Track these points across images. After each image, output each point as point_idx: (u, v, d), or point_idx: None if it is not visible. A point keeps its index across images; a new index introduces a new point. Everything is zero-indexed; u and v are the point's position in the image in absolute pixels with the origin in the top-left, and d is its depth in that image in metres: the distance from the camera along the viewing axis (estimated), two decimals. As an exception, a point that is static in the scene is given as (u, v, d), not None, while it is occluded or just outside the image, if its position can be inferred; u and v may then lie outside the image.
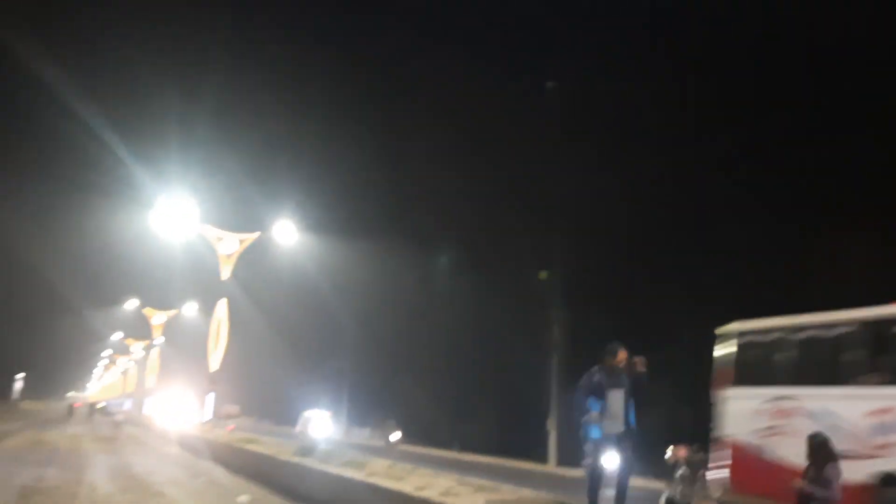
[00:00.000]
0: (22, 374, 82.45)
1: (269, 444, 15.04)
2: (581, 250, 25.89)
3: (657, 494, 9.06)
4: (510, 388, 28.66)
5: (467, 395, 31.34)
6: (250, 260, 24.52)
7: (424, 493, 7.58)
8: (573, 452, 22.50)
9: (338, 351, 39.95)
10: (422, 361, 34.65)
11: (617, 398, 7.61)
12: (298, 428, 22.92)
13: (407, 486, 8.20)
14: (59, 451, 17.83)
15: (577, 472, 18.28)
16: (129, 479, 12.50)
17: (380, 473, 9.71)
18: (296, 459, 11.28)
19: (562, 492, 8.93)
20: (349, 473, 9.66)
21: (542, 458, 23.82)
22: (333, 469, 9.97)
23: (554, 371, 25.86)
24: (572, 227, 25.84)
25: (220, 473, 14.13)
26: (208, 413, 22.18)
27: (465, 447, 27.67)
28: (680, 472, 8.77)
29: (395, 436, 28.21)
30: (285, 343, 39.62)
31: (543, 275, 25.75)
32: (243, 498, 10.59)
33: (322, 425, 21.61)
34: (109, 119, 28.09)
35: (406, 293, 34.40)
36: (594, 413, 7.36)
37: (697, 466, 9.64)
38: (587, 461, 7.31)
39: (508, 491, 8.48)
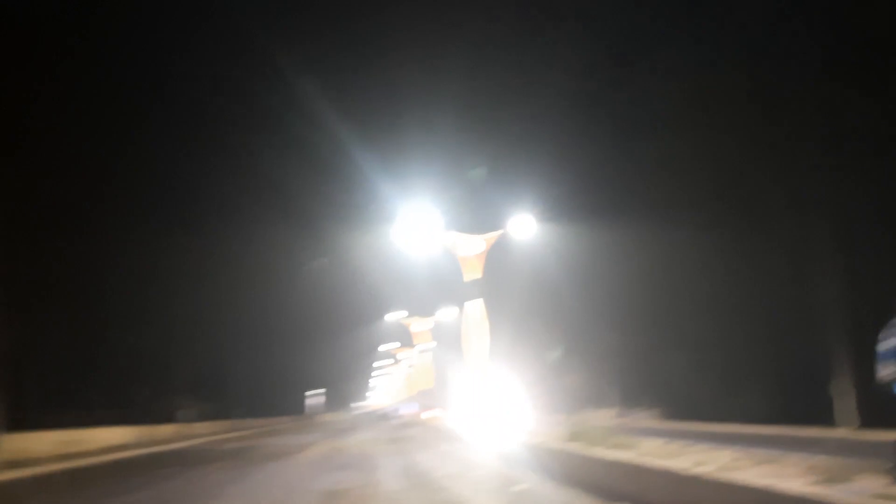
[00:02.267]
0: (316, 391, 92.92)
1: (537, 434, 15.31)
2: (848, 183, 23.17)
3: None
4: (786, 350, 26.46)
5: (738, 365, 29.48)
6: (493, 259, 25.26)
7: (700, 470, 7.20)
8: (873, 413, 20.24)
9: (592, 338, 39.71)
10: (683, 335, 33.25)
11: None
12: None
13: (681, 463, 7.85)
14: (352, 456, 19.67)
15: (876, 435, 16.41)
16: (416, 476, 13.39)
17: (651, 453, 9.42)
18: (561, 446, 11.36)
19: (860, 457, 7.99)
20: (618, 456, 9.49)
21: (830, 422, 21.77)
22: (600, 453, 9.86)
23: (840, 327, 23.56)
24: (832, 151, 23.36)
25: (499, 465, 14.61)
26: (475, 408, 23.09)
27: (744, 418, 26.03)
28: None
29: None
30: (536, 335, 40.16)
31: None
32: (518, 487, 10.87)
33: None
34: (363, 138, 30.68)
35: (655, 268, 33.18)
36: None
37: None
38: None
39: (797, 461, 7.75)
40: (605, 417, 38.15)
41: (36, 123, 24.91)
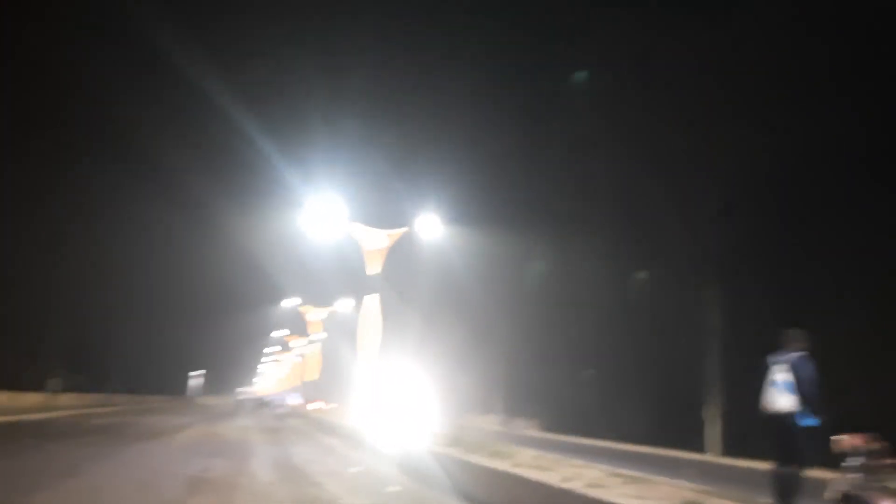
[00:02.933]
0: (199, 372, 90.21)
1: (422, 434, 15.25)
2: (734, 221, 24.37)
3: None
4: (664, 374, 27.57)
5: (618, 383, 30.53)
6: (397, 256, 25.19)
7: (570, 485, 7.30)
8: (738, 441, 21.31)
9: (487, 343, 40.24)
10: (569, 349, 34.15)
11: None
12: None
13: (552, 477, 7.95)
14: (228, 443, 19.08)
15: (740, 462, 17.26)
16: (289, 470, 13.05)
17: (525, 464, 9.52)
18: (441, 449, 11.33)
19: (722, 483, 8.34)
20: (493, 464, 9.54)
21: (699, 447, 22.75)
22: (477, 459, 9.89)
23: (716, 356, 24.67)
24: (723, 193, 24.45)
25: (377, 463, 14.45)
26: (363, 405, 22.85)
27: (619, 436, 26.97)
28: (855, 462, 7.91)
29: None
30: (436, 336, 40.41)
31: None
32: (392, 488, 10.77)
33: None
34: (264, 124, 30.01)
35: (550, 281, 33.95)
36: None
37: (878, 455, 8.62)
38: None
39: (661, 482, 8.00)
40: (489, 423, 38.74)
41: None
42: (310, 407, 49.23)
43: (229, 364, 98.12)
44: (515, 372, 39.12)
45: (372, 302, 21.91)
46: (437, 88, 34.39)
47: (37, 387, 36.91)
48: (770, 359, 7.49)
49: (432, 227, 22.76)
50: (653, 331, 28.49)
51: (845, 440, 7.84)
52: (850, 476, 7.77)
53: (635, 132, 27.64)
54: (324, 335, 47.17)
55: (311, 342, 48.94)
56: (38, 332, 38.19)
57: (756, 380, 7.57)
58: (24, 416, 28.09)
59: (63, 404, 38.62)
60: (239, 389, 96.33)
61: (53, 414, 31.94)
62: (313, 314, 43.97)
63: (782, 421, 7.14)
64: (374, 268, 21.87)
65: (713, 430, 23.69)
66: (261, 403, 61.60)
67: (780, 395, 7.16)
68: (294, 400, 59.13)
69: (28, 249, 35.18)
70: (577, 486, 7.18)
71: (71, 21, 33.73)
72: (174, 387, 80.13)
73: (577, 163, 31.47)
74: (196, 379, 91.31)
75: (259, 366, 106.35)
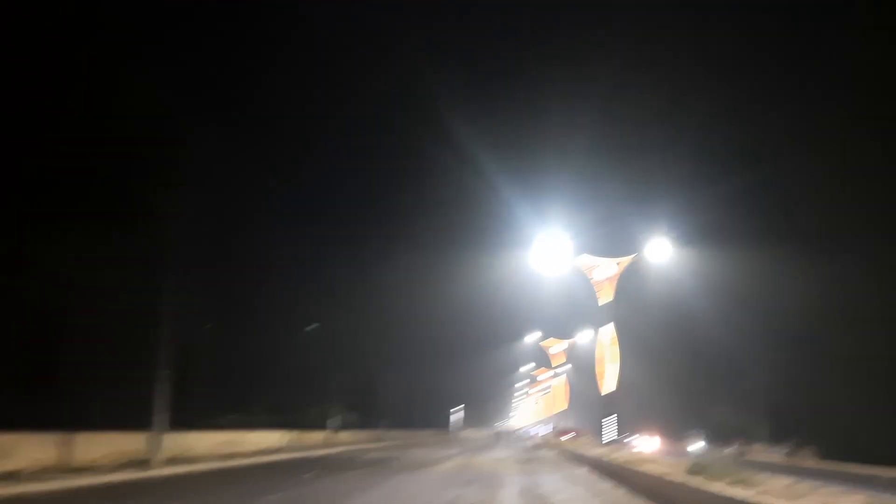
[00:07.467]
0: (459, 407, 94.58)
1: (661, 464, 14.91)
2: None
3: None
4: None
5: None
6: (630, 283, 24.85)
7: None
8: None
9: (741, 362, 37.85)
10: (852, 371, 30.77)
11: None
12: None
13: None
14: (482, 473, 20.00)
15: None
16: (535, 498, 13.49)
17: (773, 492, 9.03)
18: (680, 479, 11.07)
19: None
20: (735, 492, 9.17)
21: None
22: (720, 488, 9.58)
23: None
24: None
25: (620, 494, 14.39)
26: (608, 435, 22.68)
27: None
28: None
29: None
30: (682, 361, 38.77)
31: None
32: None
33: None
34: (502, 166, 31.43)
35: (816, 298, 31.08)
36: None
37: None
38: None
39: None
40: (750, 451, 36.12)
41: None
42: (559, 437, 49.43)
43: (486, 399, 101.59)
44: (781, 398, 36.11)
45: (606, 332, 21.86)
46: (672, 114, 33.69)
47: (319, 425, 41.12)
48: None
49: (662, 250, 22.22)
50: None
51: None
52: None
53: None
54: (568, 366, 47.33)
55: (556, 374, 49.34)
56: (321, 378, 42.49)
57: None
58: (309, 453, 31.66)
59: (342, 441, 42.67)
60: (495, 423, 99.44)
61: (334, 450, 35.56)
62: (555, 347, 44.38)
63: None
64: (604, 297, 21.86)
65: None
66: (515, 435, 63.03)
67: None
68: (546, 431, 59.80)
69: (309, 309, 39.70)
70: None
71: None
72: (439, 422, 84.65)
73: (832, 169, 28.82)
74: (457, 414, 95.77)
75: (512, 399, 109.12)
